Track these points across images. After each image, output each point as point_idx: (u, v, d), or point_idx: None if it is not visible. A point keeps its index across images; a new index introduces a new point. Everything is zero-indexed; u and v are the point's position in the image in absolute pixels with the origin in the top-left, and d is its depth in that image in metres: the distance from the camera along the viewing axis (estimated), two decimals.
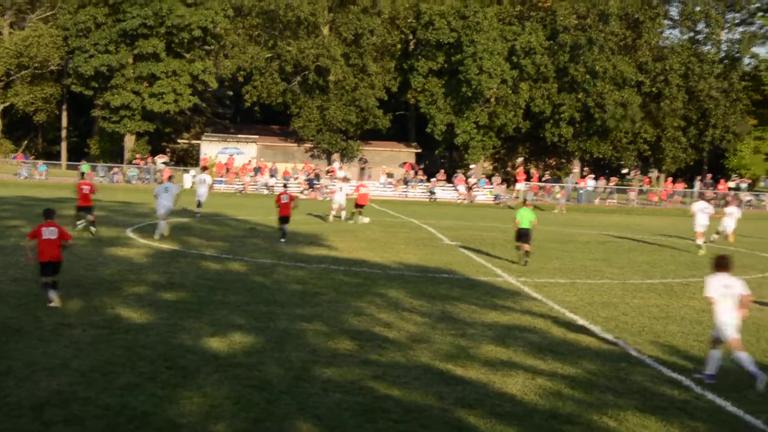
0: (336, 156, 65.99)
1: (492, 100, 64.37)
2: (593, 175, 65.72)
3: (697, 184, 63.89)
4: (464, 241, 28.66)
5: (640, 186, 66.18)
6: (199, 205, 34.23)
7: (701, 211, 29.50)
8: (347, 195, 37.20)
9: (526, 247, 23.35)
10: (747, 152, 70.72)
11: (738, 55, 68.58)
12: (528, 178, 62.64)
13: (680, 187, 62.76)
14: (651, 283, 20.58)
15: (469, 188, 59.30)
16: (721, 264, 11.78)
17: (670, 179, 66.97)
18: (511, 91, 63.59)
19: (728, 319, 11.54)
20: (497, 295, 17.84)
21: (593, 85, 63.11)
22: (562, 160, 73.61)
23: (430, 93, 65.63)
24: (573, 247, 28.81)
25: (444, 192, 60.33)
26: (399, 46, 68.31)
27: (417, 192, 59.97)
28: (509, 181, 67.02)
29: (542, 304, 17.17)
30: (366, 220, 35.37)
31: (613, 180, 65.83)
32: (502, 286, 19.08)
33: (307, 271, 19.50)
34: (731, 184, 64.76)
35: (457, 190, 59.60)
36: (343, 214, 35.91)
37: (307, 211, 39.40)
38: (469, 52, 62.10)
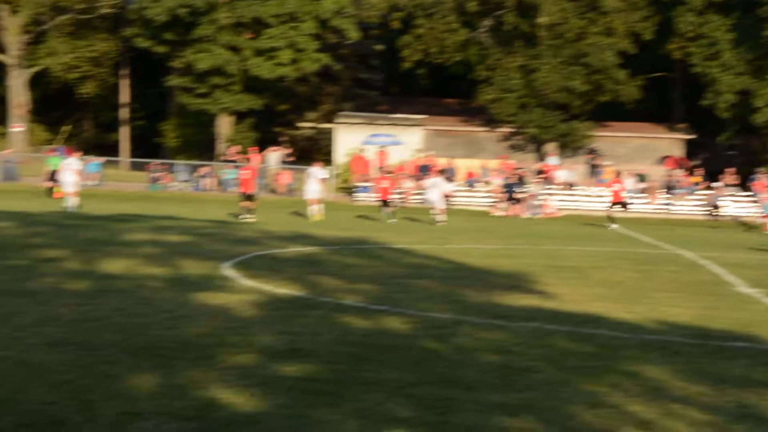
0: (551, 147, 56.71)
1: None
2: None
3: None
4: None
5: None
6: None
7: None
8: (446, 194, 40.27)
9: None
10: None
11: None
12: None
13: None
14: None
15: None
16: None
17: None
18: None
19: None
20: None
21: None
22: None
23: (710, 40, 55.75)
24: None
25: (735, 205, 52.02)
26: None
27: (689, 205, 52.69)
28: None
29: None
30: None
31: None
32: None
33: (509, 333, 15.40)
34: None
35: (757, 200, 50.42)
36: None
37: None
38: None
